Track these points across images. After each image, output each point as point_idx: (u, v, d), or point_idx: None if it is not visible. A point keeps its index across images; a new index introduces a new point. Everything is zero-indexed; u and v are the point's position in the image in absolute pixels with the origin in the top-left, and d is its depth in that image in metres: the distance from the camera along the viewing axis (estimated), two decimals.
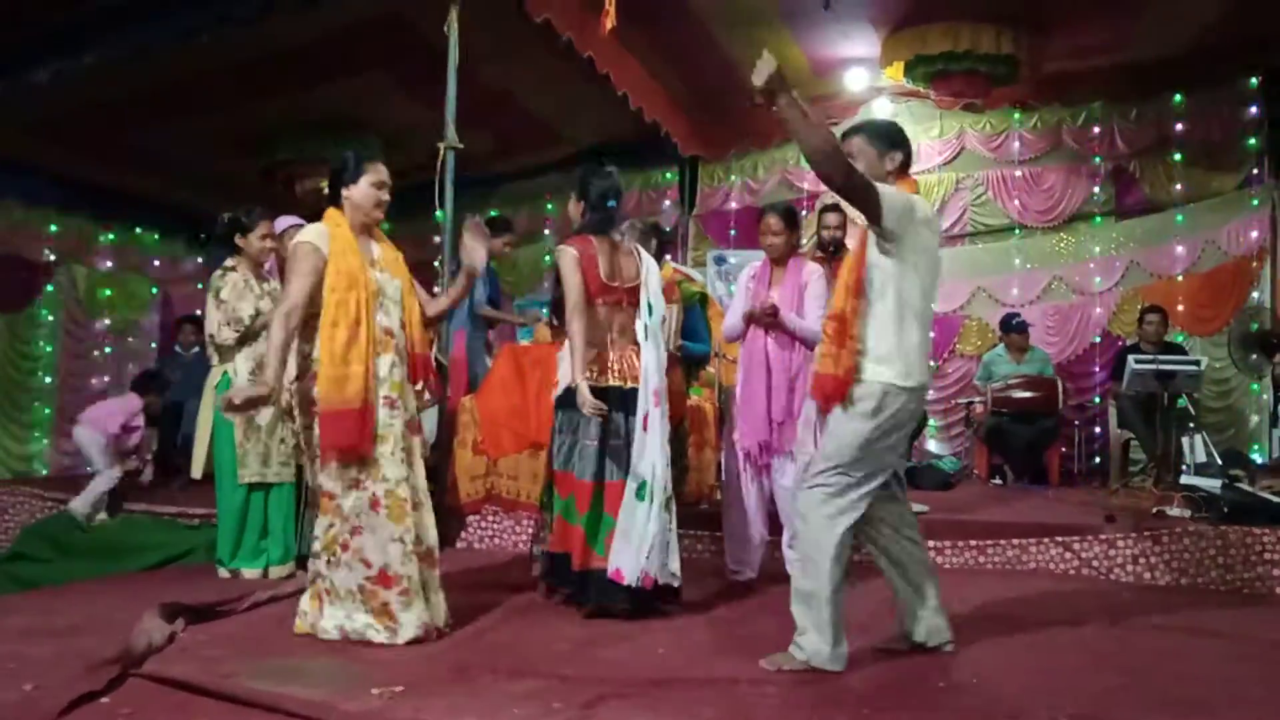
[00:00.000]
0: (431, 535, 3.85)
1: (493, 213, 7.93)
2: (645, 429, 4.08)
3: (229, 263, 5.24)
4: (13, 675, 3.09)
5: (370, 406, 3.65)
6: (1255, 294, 8.24)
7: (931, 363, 9.24)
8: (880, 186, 3.30)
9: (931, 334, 9.16)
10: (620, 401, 4.14)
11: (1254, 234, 8.33)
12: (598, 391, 4.08)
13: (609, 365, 4.19)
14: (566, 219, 8.42)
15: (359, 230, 3.85)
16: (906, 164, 3.55)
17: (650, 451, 4.08)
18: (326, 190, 3.98)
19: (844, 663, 3.29)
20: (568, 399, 4.18)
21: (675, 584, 4.15)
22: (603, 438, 4.11)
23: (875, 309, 3.36)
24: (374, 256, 3.87)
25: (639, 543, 4.01)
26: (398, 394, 3.76)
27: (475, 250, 4.05)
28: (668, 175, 10.69)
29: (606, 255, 4.25)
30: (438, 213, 5.87)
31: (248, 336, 5.08)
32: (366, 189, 3.86)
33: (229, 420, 4.98)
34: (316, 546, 3.76)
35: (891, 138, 3.54)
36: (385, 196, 3.91)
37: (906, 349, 3.34)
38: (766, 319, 4.72)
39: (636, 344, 4.23)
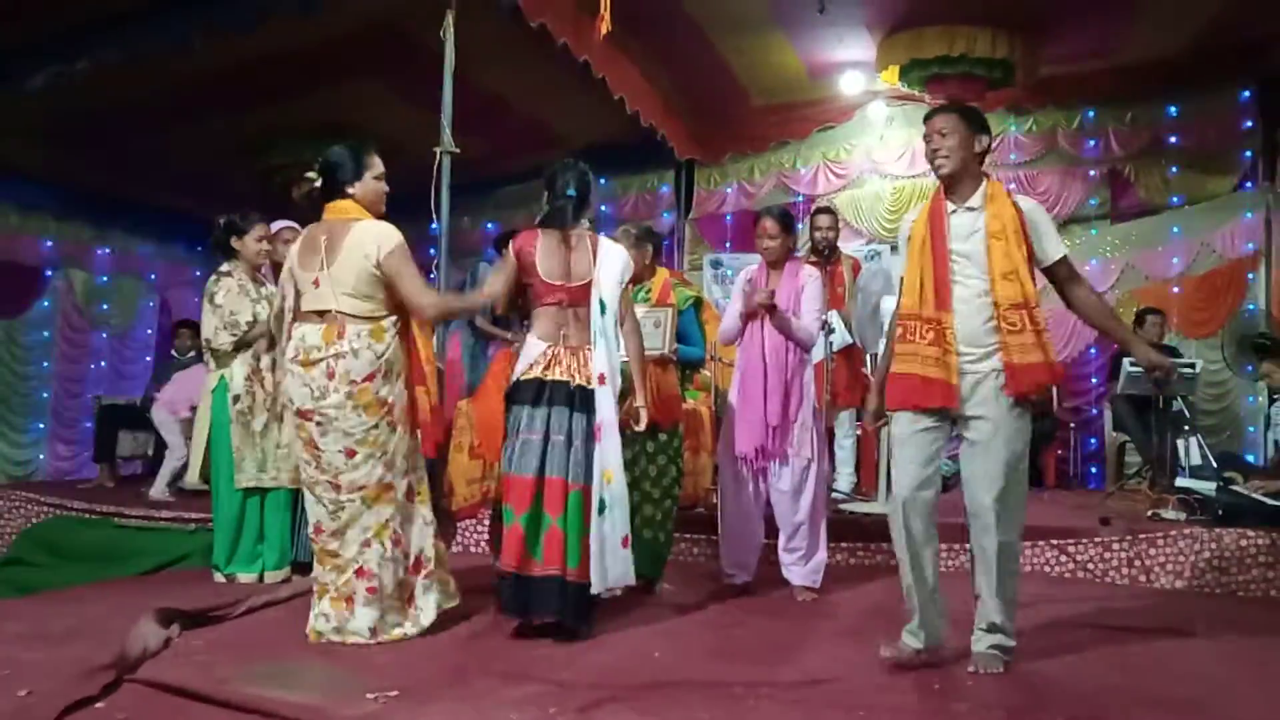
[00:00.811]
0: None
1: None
2: (599, 439, 3.90)
3: (225, 267, 5.23)
4: (8, 681, 3.10)
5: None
6: (1250, 297, 8.24)
7: None
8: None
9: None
10: (566, 398, 3.92)
11: (1249, 237, 8.35)
12: (542, 384, 3.91)
13: (558, 360, 3.95)
14: None
15: None
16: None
17: (608, 460, 3.91)
18: (319, 185, 3.91)
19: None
20: (511, 395, 4.00)
21: (624, 584, 4.01)
22: (545, 433, 3.88)
23: None
24: None
25: (612, 558, 3.87)
26: None
27: (494, 284, 4.08)
28: (664, 179, 10.70)
29: (553, 250, 4.02)
30: (433, 225, 5.90)
31: (244, 342, 5.07)
32: (372, 183, 3.90)
33: (226, 424, 5.00)
34: (363, 540, 3.78)
35: (982, 121, 3.57)
36: (387, 188, 3.92)
37: None
38: (765, 304, 4.68)
39: (590, 343, 4.01)
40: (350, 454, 3.73)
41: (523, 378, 3.97)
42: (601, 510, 3.86)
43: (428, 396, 3.93)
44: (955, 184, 3.49)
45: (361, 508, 3.76)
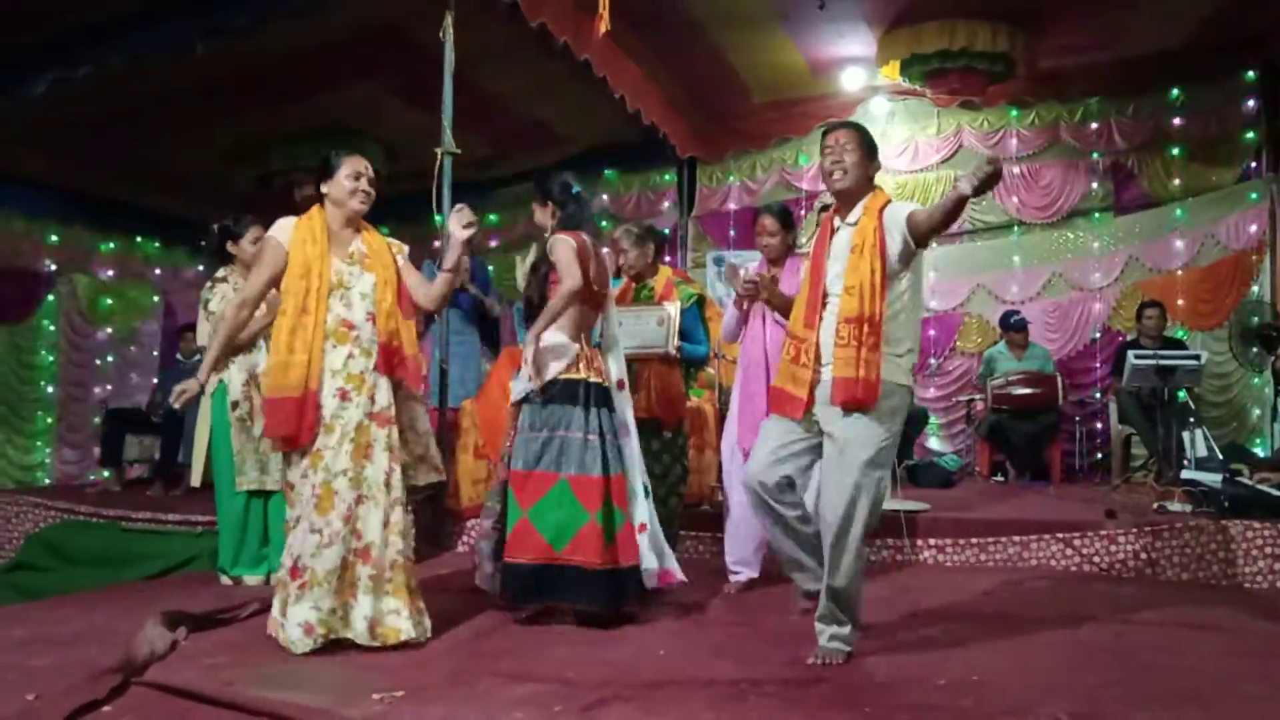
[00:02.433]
0: (373, 533, 3.68)
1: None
2: (627, 435, 4.17)
3: (220, 273, 5.24)
4: (15, 685, 3.10)
5: (312, 395, 3.65)
6: (1255, 287, 8.23)
7: (932, 360, 9.28)
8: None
9: (932, 331, 9.28)
10: (604, 398, 4.11)
11: (1253, 227, 8.32)
12: (588, 386, 4.05)
13: (590, 362, 4.12)
14: None
15: (341, 225, 3.86)
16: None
17: (636, 456, 4.19)
18: (314, 193, 3.98)
19: None
20: (547, 393, 4.03)
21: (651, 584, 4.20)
22: (586, 431, 4.01)
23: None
24: (350, 250, 3.85)
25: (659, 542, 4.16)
26: (354, 386, 3.71)
27: (455, 225, 3.98)
28: (666, 177, 10.70)
29: (594, 257, 4.18)
30: (437, 216, 5.88)
31: (239, 347, 5.08)
32: (341, 181, 3.86)
33: (227, 427, 5.01)
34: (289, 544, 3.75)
35: (875, 146, 3.65)
36: (363, 186, 3.88)
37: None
38: (749, 290, 4.63)
39: (599, 348, 4.24)
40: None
41: (563, 376, 4.04)
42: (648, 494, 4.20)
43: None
44: (847, 200, 3.58)
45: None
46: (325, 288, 3.73)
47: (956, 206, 3.29)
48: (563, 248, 4.07)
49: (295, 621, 3.59)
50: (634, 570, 4.03)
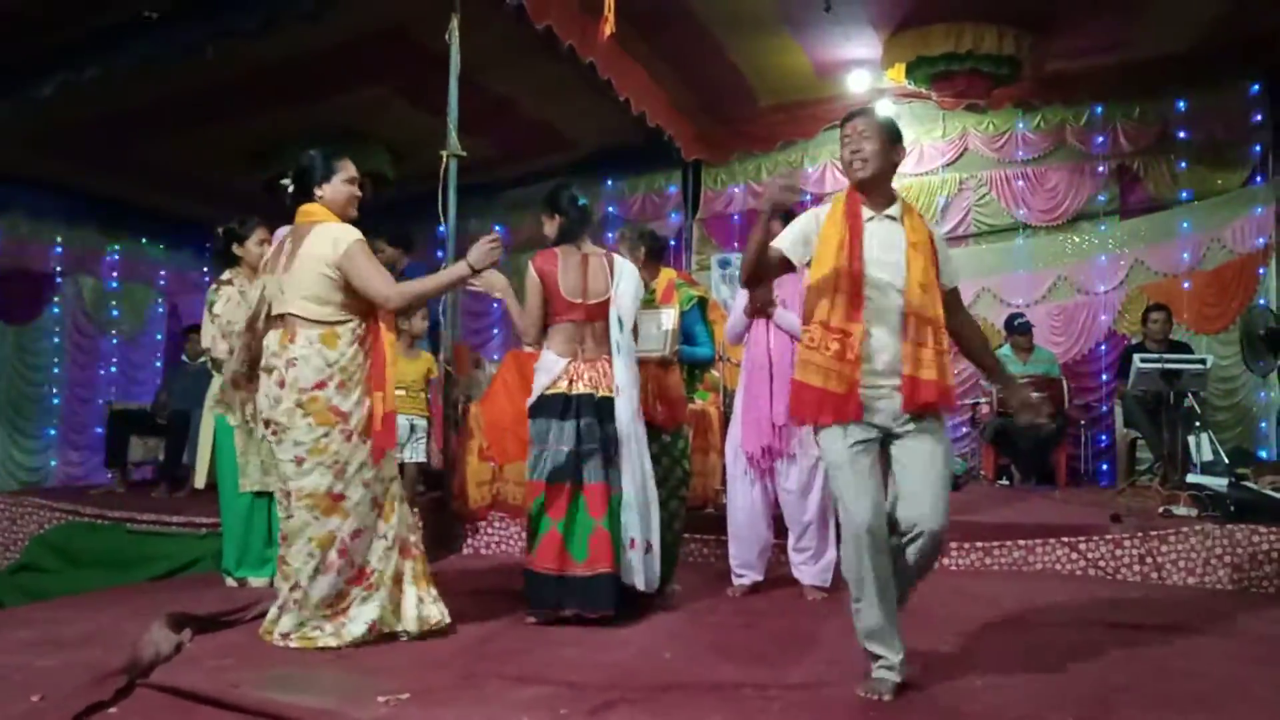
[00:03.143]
0: (406, 529, 3.89)
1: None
2: (630, 442, 4.17)
3: (225, 275, 5.24)
4: (20, 686, 3.10)
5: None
6: (1261, 299, 8.20)
7: None
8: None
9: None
10: (594, 409, 4.14)
11: (1259, 231, 8.32)
12: (567, 399, 4.13)
13: (580, 375, 4.17)
14: None
15: None
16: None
17: (630, 466, 4.16)
18: (292, 189, 3.92)
19: None
20: (536, 409, 4.22)
21: (650, 589, 4.24)
22: (577, 443, 4.11)
23: None
24: None
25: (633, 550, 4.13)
26: None
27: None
28: (671, 179, 10.70)
29: (573, 269, 4.23)
30: (441, 228, 5.92)
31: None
32: (341, 186, 3.86)
33: (230, 429, 5.02)
34: (312, 552, 3.71)
35: (899, 134, 3.39)
36: (359, 193, 3.91)
37: None
38: (763, 300, 4.70)
39: (609, 355, 4.24)
40: (299, 462, 3.68)
41: (546, 392, 4.17)
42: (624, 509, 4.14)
43: (382, 403, 3.76)
44: (871, 190, 3.32)
45: (309, 517, 3.68)
46: None
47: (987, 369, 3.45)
48: (527, 281, 4.25)
49: (364, 620, 3.69)
50: (601, 579, 4.05)
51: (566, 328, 4.21)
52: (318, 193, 3.84)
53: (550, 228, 4.39)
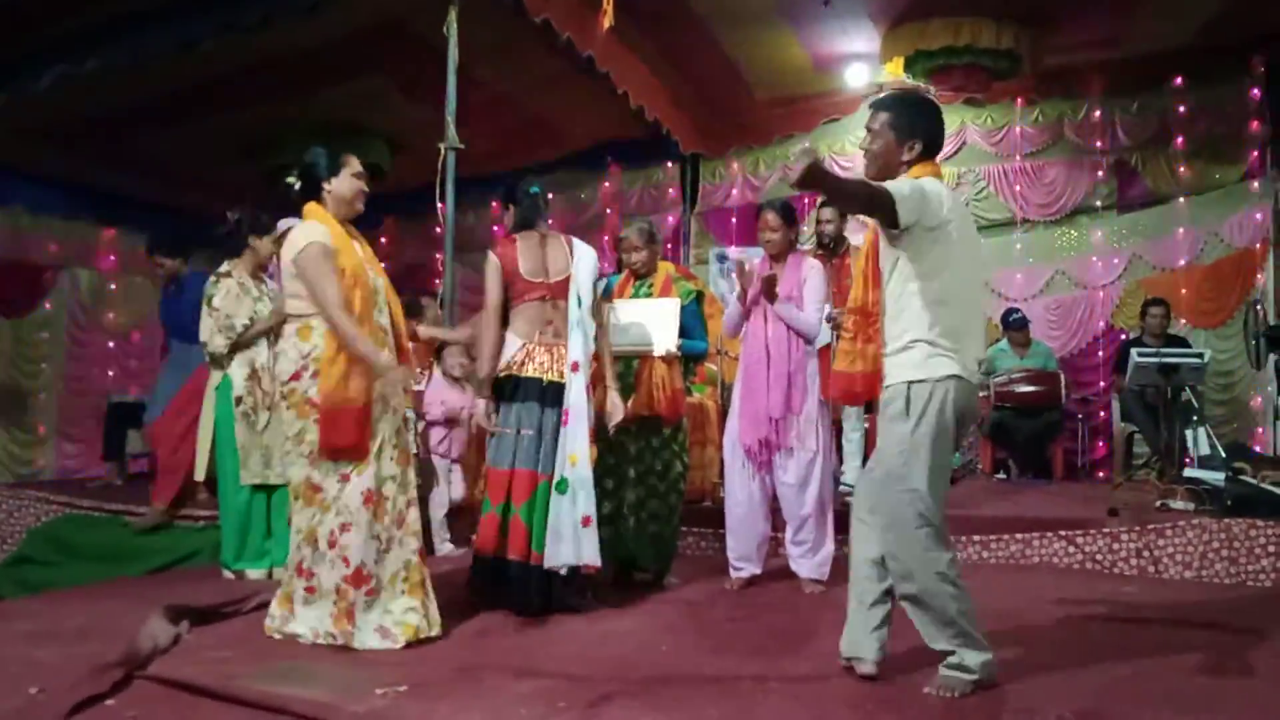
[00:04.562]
0: (418, 534, 3.86)
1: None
2: (566, 423, 4.12)
3: (224, 268, 5.23)
4: (18, 679, 3.11)
5: (370, 405, 3.66)
6: (1258, 295, 8.20)
7: None
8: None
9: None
10: (539, 393, 4.18)
11: (1257, 225, 8.32)
12: (518, 382, 4.19)
13: (532, 356, 4.22)
14: (562, 218, 8.45)
15: (342, 226, 3.84)
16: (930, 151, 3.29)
17: (574, 444, 4.12)
18: (298, 186, 3.91)
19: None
20: (494, 393, 4.30)
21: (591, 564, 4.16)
22: (518, 428, 4.17)
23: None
24: (360, 254, 3.84)
25: (568, 536, 4.06)
26: None
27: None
28: (669, 173, 10.68)
29: (532, 251, 4.32)
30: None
31: (240, 344, 5.08)
32: (348, 180, 3.85)
33: (230, 421, 5.02)
34: (296, 542, 3.72)
35: (914, 125, 3.27)
36: (365, 187, 3.91)
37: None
38: (756, 285, 4.73)
39: (565, 339, 4.25)
40: (288, 453, 3.76)
41: (500, 374, 4.25)
42: (563, 490, 4.08)
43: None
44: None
45: (297, 506, 3.72)
46: (371, 295, 3.75)
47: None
48: (487, 267, 4.32)
49: (372, 627, 3.64)
50: (516, 566, 4.10)
51: (529, 308, 4.27)
52: (325, 188, 3.83)
53: (509, 218, 4.52)
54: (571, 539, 4.05)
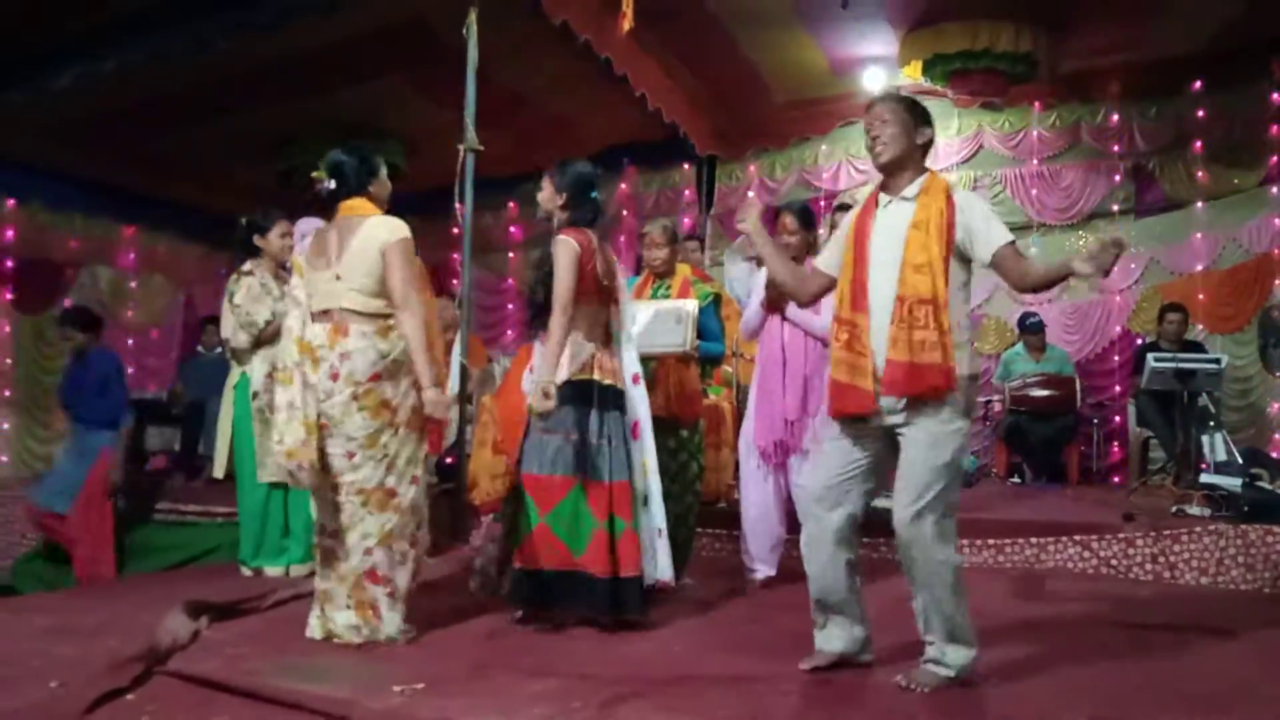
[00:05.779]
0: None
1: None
2: (637, 436, 4.10)
3: (246, 266, 5.28)
4: (39, 673, 3.14)
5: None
6: (1278, 300, 8.16)
7: None
8: None
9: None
10: (614, 399, 4.01)
11: (1275, 230, 8.28)
12: (583, 386, 3.94)
13: (598, 363, 4.00)
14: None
15: None
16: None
17: (647, 454, 4.12)
18: (333, 186, 3.86)
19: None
20: (561, 395, 3.93)
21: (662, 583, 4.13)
22: (598, 436, 3.94)
23: None
24: None
25: (650, 547, 4.05)
26: None
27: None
28: (686, 175, 10.69)
29: (600, 254, 4.06)
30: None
31: (262, 340, 5.12)
32: (387, 181, 3.94)
33: (249, 419, 5.05)
34: (365, 548, 3.68)
35: (925, 114, 3.34)
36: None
37: None
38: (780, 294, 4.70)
39: (612, 346, 4.12)
40: (350, 456, 3.66)
41: (575, 377, 3.96)
42: (646, 503, 4.05)
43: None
44: (892, 173, 3.31)
45: (363, 512, 3.67)
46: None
47: (1057, 278, 3.19)
48: (562, 249, 3.94)
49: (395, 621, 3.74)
50: (633, 580, 3.90)
51: (590, 312, 4.02)
52: (371, 189, 3.87)
53: (547, 196, 4.17)
54: (660, 551, 4.07)
